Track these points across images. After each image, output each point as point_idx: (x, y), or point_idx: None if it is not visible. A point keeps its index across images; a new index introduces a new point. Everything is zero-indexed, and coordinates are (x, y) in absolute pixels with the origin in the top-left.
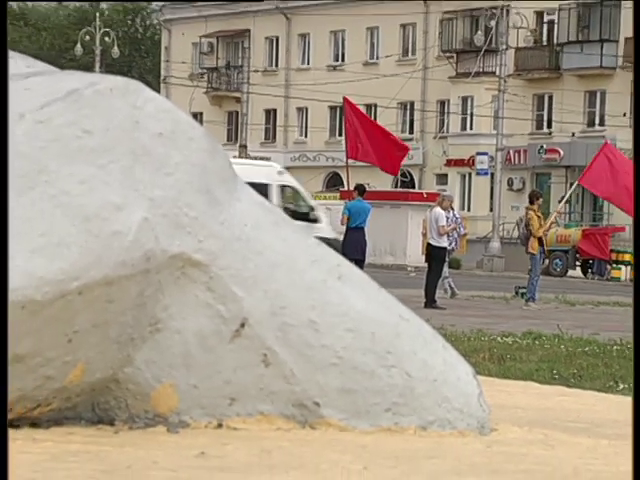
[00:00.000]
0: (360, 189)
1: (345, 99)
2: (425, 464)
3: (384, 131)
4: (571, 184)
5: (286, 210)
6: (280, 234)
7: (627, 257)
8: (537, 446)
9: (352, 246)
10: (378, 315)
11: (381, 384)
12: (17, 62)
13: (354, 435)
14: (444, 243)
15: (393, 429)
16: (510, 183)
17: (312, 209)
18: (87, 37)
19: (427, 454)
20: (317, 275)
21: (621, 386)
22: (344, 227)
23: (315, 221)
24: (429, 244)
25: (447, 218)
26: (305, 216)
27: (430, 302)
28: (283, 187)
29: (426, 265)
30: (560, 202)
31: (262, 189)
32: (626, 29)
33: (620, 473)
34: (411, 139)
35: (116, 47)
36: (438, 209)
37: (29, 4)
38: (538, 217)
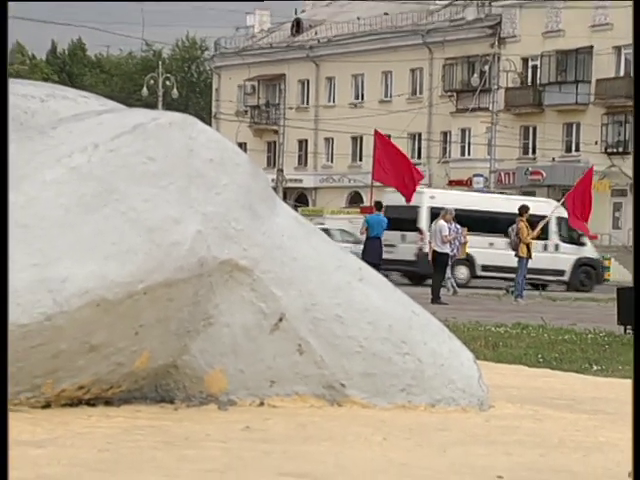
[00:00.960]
0: (378, 205)
1: (375, 132)
2: (435, 435)
3: (406, 159)
4: (557, 200)
5: (560, 236)
6: (311, 243)
7: None
8: (528, 420)
9: (371, 252)
10: (394, 311)
11: (397, 368)
12: (92, 101)
13: (374, 411)
14: (447, 250)
15: (407, 406)
16: None
17: (580, 235)
18: (151, 81)
19: (436, 427)
20: (342, 277)
21: (594, 368)
22: (364, 236)
23: (583, 244)
24: (434, 251)
25: (449, 229)
26: (575, 240)
27: (435, 299)
28: (559, 218)
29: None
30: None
31: (541, 219)
32: (597, 72)
33: (599, 443)
34: (419, 164)
35: (175, 89)
36: (442, 221)
37: (104, 54)
38: (526, 227)
